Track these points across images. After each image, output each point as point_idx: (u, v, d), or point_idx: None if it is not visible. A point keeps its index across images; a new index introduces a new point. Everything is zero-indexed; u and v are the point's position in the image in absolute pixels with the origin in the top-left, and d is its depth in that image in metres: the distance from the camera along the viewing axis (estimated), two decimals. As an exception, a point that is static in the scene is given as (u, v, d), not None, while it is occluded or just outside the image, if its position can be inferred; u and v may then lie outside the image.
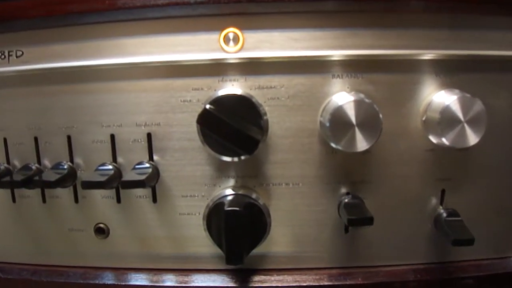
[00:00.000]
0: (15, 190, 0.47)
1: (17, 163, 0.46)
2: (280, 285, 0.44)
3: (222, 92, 0.42)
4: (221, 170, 0.44)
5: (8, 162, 0.47)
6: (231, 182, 0.44)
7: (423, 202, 0.44)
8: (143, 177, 0.41)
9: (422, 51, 0.42)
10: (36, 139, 0.46)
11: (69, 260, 0.48)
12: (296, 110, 0.42)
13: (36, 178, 0.42)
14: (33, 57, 0.45)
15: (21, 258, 0.49)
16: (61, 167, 0.44)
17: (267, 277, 0.45)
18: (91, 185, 0.40)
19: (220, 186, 0.44)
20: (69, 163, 0.45)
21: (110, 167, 0.43)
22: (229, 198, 0.42)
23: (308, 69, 0.42)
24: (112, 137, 0.44)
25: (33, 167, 0.45)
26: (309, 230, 0.44)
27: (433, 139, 0.42)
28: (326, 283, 0.44)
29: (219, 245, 0.42)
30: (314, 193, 0.44)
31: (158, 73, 0.43)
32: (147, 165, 0.43)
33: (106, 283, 0.46)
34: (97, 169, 0.43)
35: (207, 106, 0.39)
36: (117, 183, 0.43)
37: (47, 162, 0.46)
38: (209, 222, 0.43)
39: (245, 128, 0.38)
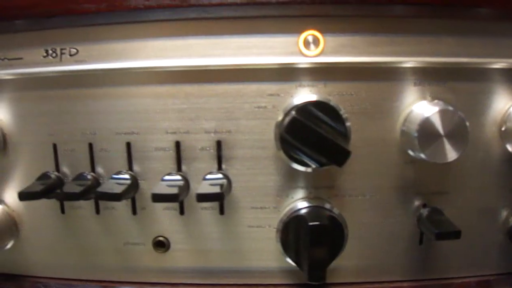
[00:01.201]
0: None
1: (66, 171, 0.43)
2: (352, 299, 0.42)
3: (301, 98, 0.39)
4: (295, 181, 0.41)
5: (57, 170, 0.43)
6: (304, 193, 0.42)
7: (496, 212, 0.44)
8: (217, 189, 0.38)
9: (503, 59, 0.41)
10: (90, 145, 0.42)
11: (123, 276, 0.44)
12: (376, 119, 0.41)
13: (98, 189, 0.38)
14: (89, 56, 0.41)
15: (68, 273, 0.45)
16: (122, 177, 0.41)
17: (339, 292, 0.43)
18: (163, 198, 0.37)
19: (292, 197, 0.42)
20: (129, 171, 0.42)
21: (179, 177, 0.40)
22: (307, 210, 0.39)
23: (388, 76, 0.40)
24: (177, 144, 0.41)
25: (89, 176, 0.42)
26: (382, 242, 0.43)
27: (510, 148, 0.41)
28: (398, 297, 0.43)
29: (296, 259, 0.40)
30: (390, 204, 0.42)
31: (230, 76, 0.40)
32: (220, 175, 0.40)
33: (164, 300, 0.44)
34: (164, 180, 0.40)
35: (295, 114, 0.36)
36: (186, 194, 0.40)
37: (100, 171, 0.43)
38: (284, 236, 0.40)
39: (334, 137, 0.36)
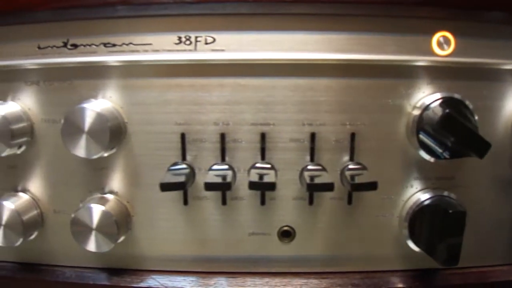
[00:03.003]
0: (189, 191, 0.43)
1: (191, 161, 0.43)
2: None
3: (436, 95, 0.42)
4: (420, 171, 0.44)
5: (184, 158, 0.42)
6: (427, 183, 0.44)
7: None
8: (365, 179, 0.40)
9: None
10: (222, 135, 0.42)
11: (247, 266, 0.45)
12: (495, 116, 0.43)
13: (251, 179, 0.38)
14: (227, 45, 0.41)
15: (184, 265, 0.45)
16: (264, 166, 0.41)
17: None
18: (322, 187, 0.38)
19: (416, 188, 0.44)
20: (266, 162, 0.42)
21: (319, 167, 0.41)
22: (437, 199, 0.42)
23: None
24: (313, 136, 0.42)
25: (224, 167, 0.42)
26: (491, 230, 0.46)
27: None
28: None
29: (426, 245, 0.42)
30: (504, 194, 0.45)
31: (366, 72, 0.42)
32: (358, 166, 0.42)
33: (288, 289, 0.44)
34: (307, 169, 0.41)
35: (448, 110, 0.38)
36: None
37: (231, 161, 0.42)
38: (412, 223, 0.43)
39: (476, 130, 0.39)
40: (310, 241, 0.44)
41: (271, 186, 0.38)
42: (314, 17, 0.41)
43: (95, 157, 0.41)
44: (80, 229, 0.42)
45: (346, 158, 0.43)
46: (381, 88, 0.42)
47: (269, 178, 0.40)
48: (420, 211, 0.42)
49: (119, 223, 0.42)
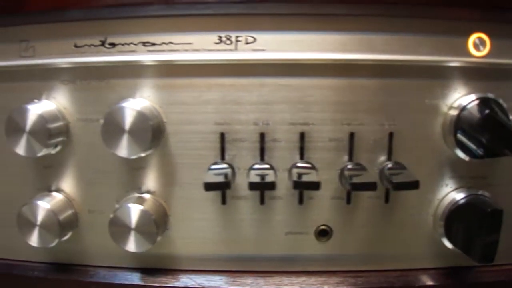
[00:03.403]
0: (228, 191, 0.43)
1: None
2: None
3: (472, 96, 0.42)
4: (455, 171, 0.44)
5: (223, 158, 0.43)
6: (461, 182, 0.45)
7: None
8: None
9: None
10: (262, 135, 0.42)
11: (282, 265, 0.45)
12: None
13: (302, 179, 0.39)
14: (268, 45, 0.41)
15: (218, 265, 0.45)
16: (306, 165, 0.41)
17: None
18: (365, 186, 0.39)
19: (451, 187, 0.44)
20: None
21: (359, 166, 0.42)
22: (474, 198, 0.43)
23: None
24: (351, 135, 0.42)
25: (265, 166, 0.42)
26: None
27: None
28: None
29: (462, 243, 0.42)
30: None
31: (403, 73, 0.42)
32: (397, 165, 0.42)
33: None
34: (347, 169, 0.42)
35: (488, 111, 0.39)
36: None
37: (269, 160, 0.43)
38: (448, 222, 0.43)
39: (512, 130, 0.40)
40: (346, 240, 0.45)
41: (315, 185, 0.38)
42: (354, 18, 0.41)
43: (135, 156, 0.41)
44: (119, 229, 0.42)
45: (383, 157, 0.43)
46: (418, 89, 0.42)
47: (310, 177, 0.40)
48: (456, 209, 0.43)
49: (158, 222, 0.42)
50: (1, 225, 0.47)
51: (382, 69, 0.42)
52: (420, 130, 0.43)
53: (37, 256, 0.47)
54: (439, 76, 0.43)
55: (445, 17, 0.42)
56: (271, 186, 0.38)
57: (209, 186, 0.39)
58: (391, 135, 0.43)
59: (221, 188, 0.39)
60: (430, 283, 0.45)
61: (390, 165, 0.42)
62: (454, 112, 0.42)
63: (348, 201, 0.44)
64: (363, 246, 0.45)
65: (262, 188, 0.40)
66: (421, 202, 0.44)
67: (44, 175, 0.45)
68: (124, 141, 0.40)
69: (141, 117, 0.40)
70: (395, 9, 0.41)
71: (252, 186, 0.39)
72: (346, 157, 0.43)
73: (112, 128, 0.40)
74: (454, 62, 0.42)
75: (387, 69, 0.42)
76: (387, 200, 0.44)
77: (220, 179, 0.39)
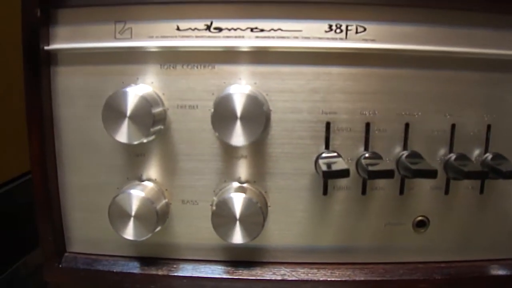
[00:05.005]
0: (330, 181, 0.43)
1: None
2: None
3: None
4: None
5: (327, 147, 0.42)
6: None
7: None
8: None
9: None
10: (367, 124, 0.42)
11: (379, 256, 0.45)
12: None
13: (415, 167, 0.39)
14: (378, 35, 0.41)
15: (319, 256, 0.44)
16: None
17: None
18: (477, 175, 0.39)
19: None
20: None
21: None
22: None
23: None
24: (453, 126, 0.43)
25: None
26: None
27: None
28: None
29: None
30: None
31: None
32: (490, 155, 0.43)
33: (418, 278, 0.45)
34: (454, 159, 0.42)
35: None
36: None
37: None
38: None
39: None
40: (442, 231, 0.45)
41: (433, 173, 0.39)
42: (458, 12, 0.42)
43: (245, 143, 0.39)
44: (223, 221, 0.40)
45: (480, 149, 0.44)
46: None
47: (423, 166, 0.40)
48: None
49: (264, 211, 0.41)
50: (85, 218, 0.44)
51: (483, 63, 0.42)
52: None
53: (120, 250, 0.45)
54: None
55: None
56: (391, 173, 0.38)
57: (328, 174, 0.38)
58: (489, 127, 0.44)
59: (341, 176, 0.39)
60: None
61: (491, 156, 0.43)
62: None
63: (447, 191, 0.44)
64: (457, 237, 0.45)
65: (381, 176, 0.39)
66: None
67: (135, 164, 0.43)
68: (238, 128, 0.38)
69: (255, 103, 0.39)
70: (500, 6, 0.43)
71: (371, 174, 0.39)
72: (447, 149, 0.43)
73: (223, 117, 0.38)
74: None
75: (489, 63, 0.42)
76: (482, 190, 0.45)
77: (340, 166, 0.39)
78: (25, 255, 0.59)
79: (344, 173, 0.38)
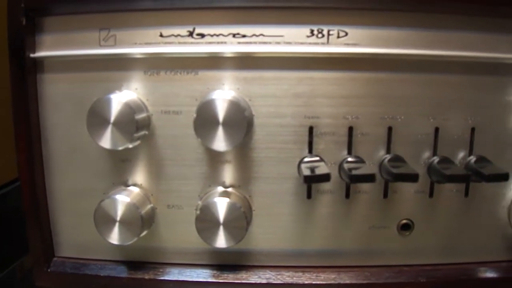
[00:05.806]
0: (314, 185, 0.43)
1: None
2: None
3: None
4: (529, 166, 0.46)
5: (310, 151, 0.42)
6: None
7: None
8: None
9: None
10: (350, 128, 0.42)
11: (363, 259, 0.45)
12: None
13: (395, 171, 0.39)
14: (360, 40, 0.41)
15: (303, 260, 0.45)
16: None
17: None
18: (459, 178, 0.39)
19: (524, 181, 0.46)
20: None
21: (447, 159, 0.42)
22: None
23: None
24: (436, 130, 0.43)
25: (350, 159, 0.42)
26: None
27: None
28: None
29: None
30: None
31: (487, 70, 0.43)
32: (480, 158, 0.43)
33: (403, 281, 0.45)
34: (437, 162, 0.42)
35: None
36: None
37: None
38: (524, 215, 0.45)
39: None
40: (426, 234, 0.45)
41: (415, 177, 0.39)
42: (443, 16, 0.42)
43: (227, 149, 0.40)
44: (207, 225, 0.41)
45: (464, 152, 0.44)
46: (499, 85, 0.44)
47: (404, 169, 0.40)
48: (531, 203, 0.44)
49: (247, 216, 0.41)
50: (72, 223, 0.45)
51: (467, 66, 0.42)
52: (501, 125, 0.44)
53: (107, 255, 0.45)
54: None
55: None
56: (371, 178, 0.38)
57: (309, 179, 0.39)
58: (473, 130, 0.44)
59: (322, 181, 0.39)
60: (505, 275, 0.46)
61: (474, 159, 0.43)
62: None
63: (431, 194, 0.44)
64: (442, 240, 0.46)
65: (362, 180, 0.40)
66: (497, 196, 0.45)
67: (121, 169, 0.43)
68: (220, 133, 0.39)
69: (236, 109, 0.39)
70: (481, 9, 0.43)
71: (352, 178, 0.39)
72: (430, 152, 0.43)
73: (206, 122, 0.39)
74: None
75: (472, 66, 0.42)
76: (467, 193, 0.45)
77: (322, 171, 0.39)
78: (22, 257, 0.60)
79: (325, 178, 0.39)
